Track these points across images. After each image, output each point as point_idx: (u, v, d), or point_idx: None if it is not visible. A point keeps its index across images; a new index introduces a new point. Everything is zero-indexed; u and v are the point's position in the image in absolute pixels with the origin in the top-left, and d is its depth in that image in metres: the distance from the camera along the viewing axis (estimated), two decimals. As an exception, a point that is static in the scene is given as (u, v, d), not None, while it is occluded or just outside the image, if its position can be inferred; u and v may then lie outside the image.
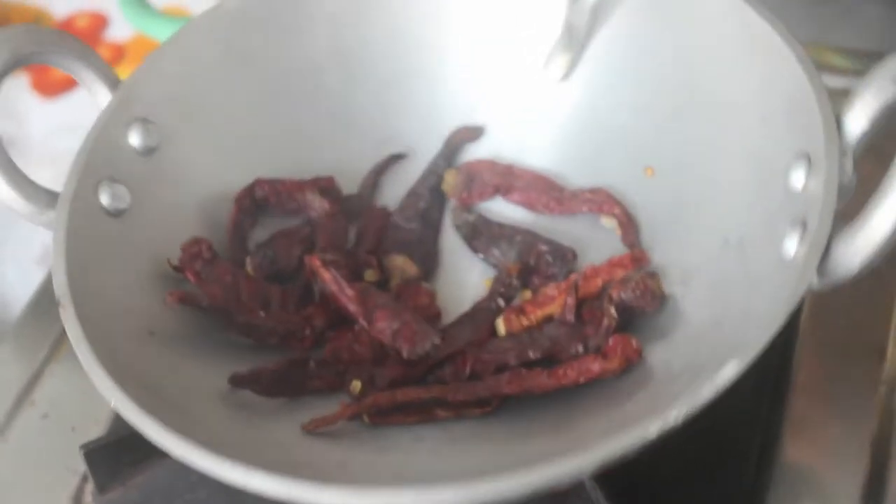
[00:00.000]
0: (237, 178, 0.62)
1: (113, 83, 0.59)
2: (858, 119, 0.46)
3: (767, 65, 0.51)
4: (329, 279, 0.56)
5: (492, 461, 0.49)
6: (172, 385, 0.51)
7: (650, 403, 0.47)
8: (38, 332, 0.67)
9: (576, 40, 0.61)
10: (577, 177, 0.62)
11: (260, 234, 0.62)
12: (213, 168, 0.61)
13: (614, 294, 0.54)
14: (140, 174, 0.58)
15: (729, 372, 0.42)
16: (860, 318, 0.60)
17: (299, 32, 0.63)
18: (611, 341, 0.53)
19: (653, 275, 0.55)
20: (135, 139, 0.58)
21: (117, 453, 0.58)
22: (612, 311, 0.53)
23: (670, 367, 0.51)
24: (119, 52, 0.97)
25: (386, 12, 0.64)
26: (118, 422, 0.62)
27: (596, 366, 0.52)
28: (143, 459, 0.58)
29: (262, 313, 0.56)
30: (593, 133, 0.62)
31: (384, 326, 0.56)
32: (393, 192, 0.64)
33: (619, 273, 0.55)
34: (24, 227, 0.95)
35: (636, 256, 0.57)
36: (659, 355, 0.53)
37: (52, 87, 0.96)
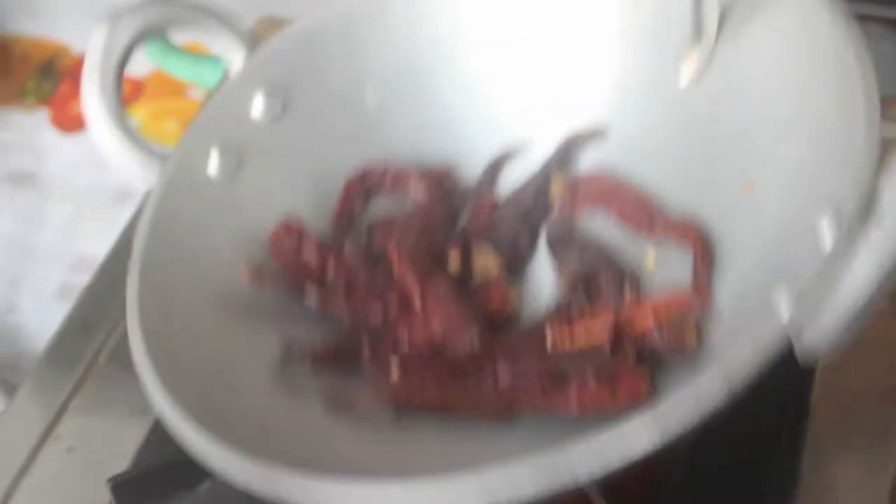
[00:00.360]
0: (349, 160, 0.62)
1: (249, 47, 0.60)
2: None
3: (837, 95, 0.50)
4: (398, 266, 0.56)
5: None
6: (219, 362, 0.52)
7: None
8: (63, 365, 0.67)
9: (707, 38, 0.58)
10: (676, 188, 0.59)
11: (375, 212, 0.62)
12: (328, 149, 0.61)
13: (641, 337, 0.54)
14: (255, 143, 0.59)
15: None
16: (879, 360, 0.61)
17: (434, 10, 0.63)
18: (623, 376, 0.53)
19: (694, 324, 0.53)
20: (257, 108, 0.59)
21: (144, 487, 0.58)
22: (631, 355, 0.53)
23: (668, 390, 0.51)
24: (137, 88, 0.98)
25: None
26: (143, 455, 0.62)
27: (600, 400, 0.52)
28: (170, 493, 0.58)
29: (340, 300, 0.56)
30: (700, 144, 0.59)
31: (435, 316, 0.56)
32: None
33: (672, 312, 0.54)
34: (42, 261, 0.96)
35: (696, 299, 0.54)
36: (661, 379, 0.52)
37: (72, 122, 0.97)
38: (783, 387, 0.59)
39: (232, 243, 0.56)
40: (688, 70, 0.60)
